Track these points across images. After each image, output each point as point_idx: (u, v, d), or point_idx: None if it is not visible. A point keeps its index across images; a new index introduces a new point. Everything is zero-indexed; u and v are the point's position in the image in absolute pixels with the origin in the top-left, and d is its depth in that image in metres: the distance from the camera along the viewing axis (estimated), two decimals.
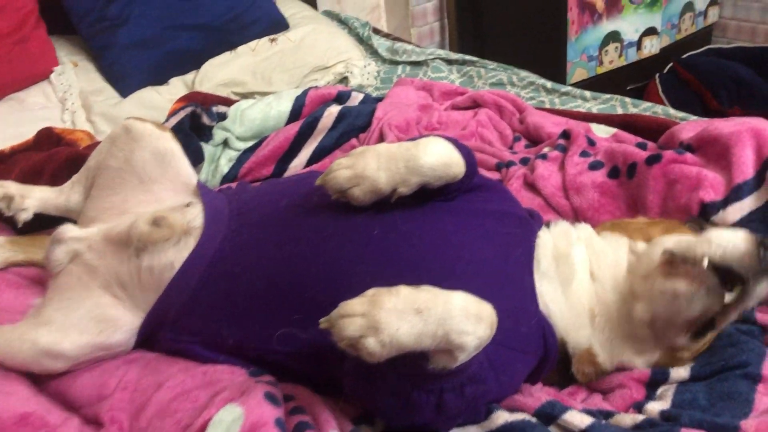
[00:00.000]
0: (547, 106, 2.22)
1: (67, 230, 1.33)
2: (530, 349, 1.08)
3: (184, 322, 1.19)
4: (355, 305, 0.88)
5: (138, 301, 1.23)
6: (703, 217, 1.37)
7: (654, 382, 1.15)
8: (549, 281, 1.15)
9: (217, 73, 2.47)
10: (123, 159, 1.39)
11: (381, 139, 1.92)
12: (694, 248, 1.05)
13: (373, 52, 2.82)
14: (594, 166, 1.59)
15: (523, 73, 2.43)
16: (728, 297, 1.04)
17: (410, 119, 1.99)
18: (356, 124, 1.99)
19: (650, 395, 1.15)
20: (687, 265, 1.04)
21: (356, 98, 2.15)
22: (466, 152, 1.14)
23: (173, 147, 1.42)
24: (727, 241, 1.04)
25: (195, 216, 1.27)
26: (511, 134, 1.99)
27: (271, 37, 2.63)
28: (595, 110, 2.13)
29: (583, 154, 1.65)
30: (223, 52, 2.56)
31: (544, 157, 1.68)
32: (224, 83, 2.46)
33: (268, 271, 1.13)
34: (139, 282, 1.23)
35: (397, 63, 2.70)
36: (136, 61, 2.40)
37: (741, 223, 1.32)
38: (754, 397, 1.10)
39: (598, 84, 3.57)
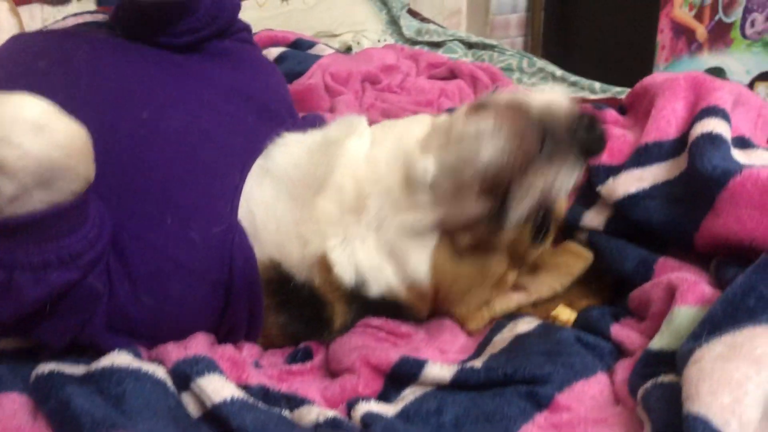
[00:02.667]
0: None
1: None
2: (200, 266, 0.74)
3: None
4: None
5: None
6: (589, 186, 0.95)
7: (398, 376, 0.76)
8: (272, 183, 0.81)
9: None
10: None
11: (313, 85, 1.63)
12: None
13: (400, 34, 2.54)
14: None
15: (539, 63, 2.04)
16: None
17: (354, 72, 1.68)
18: (295, 69, 1.71)
19: (388, 393, 0.76)
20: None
21: (322, 51, 1.88)
22: None
23: (2, 18, 1.27)
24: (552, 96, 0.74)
25: None
26: None
27: None
28: None
29: None
30: None
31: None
32: None
33: None
34: None
35: (416, 43, 2.40)
36: None
37: (631, 201, 0.89)
38: (521, 426, 0.68)
39: None
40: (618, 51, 3.22)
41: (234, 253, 0.76)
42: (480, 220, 0.76)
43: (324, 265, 0.80)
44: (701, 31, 3.03)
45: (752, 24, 3.09)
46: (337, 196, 0.80)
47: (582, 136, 0.73)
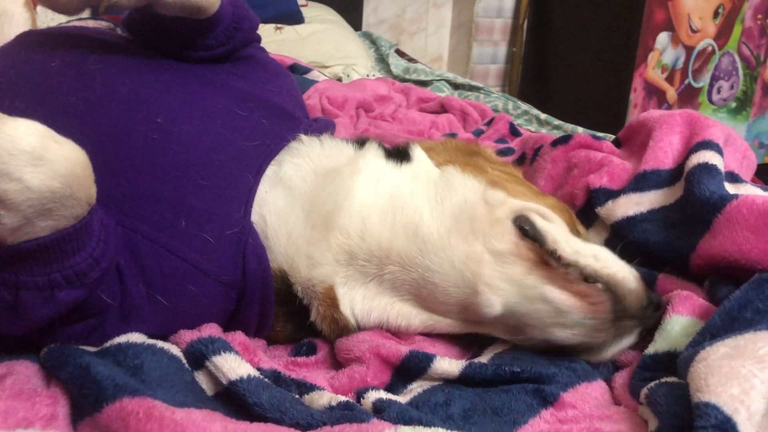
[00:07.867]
0: None
1: None
2: (213, 268, 0.76)
3: None
4: None
5: None
6: (588, 208, 1.00)
7: (407, 369, 0.78)
8: (285, 193, 0.83)
9: None
10: None
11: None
12: (578, 252, 0.77)
13: (388, 71, 2.61)
14: (502, 153, 1.24)
15: (524, 106, 2.12)
16: None
17: (350, 97, 1.73)
18: None
19: (395, 386, 0.78)
20: (568, 269, 0.76)
21: (317, 77, 1.93)
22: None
23: (17, 12, 1.26)
24: (620, 268, 0.78)
25: None
26: None
27: (278, 25, 2.48)
28: None
29: (500, 140, 1.31)
30: None
31: (453, 136, 1.35)
32: None
33: None
34: None
35: (403, 80, 2.47)
36: None
37: (629, 222, 0.94)
38: (528, 420, 0.70)
39: None
40: (592, 108, 3.35)
41: (247, 254, 0.77)
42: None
43: (329, 295, 0.82)
44: (672, 93, 3.18)
45: (718, 90, 3.26)
46: (345, 242, 0.82)
47: (649, 316, 0.79)
